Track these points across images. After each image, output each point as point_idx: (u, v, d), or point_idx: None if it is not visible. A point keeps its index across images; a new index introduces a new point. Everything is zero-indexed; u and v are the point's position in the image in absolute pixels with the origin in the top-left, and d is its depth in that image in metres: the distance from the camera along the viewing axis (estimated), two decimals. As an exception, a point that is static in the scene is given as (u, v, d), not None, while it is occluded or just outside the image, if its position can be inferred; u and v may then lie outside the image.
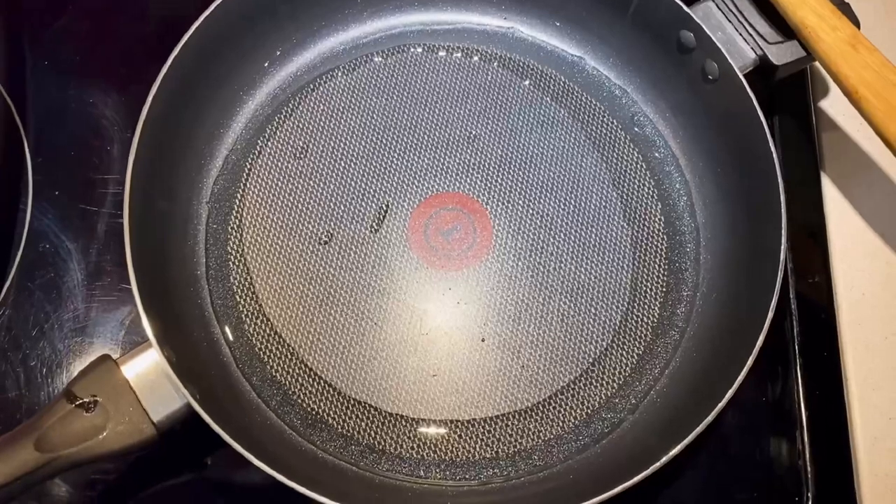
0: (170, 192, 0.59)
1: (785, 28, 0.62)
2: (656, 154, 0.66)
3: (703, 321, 0.60)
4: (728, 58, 0.59)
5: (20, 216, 0.62)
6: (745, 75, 0.60)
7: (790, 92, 0.69)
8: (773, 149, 0.57)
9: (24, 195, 0.62)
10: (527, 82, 0.67)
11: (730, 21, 0.62)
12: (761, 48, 0.61)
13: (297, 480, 0.48)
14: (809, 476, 0.59)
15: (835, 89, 0.68)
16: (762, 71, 0.62)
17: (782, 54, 0.61)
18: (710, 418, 0.50)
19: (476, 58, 0.68)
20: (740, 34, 0.62)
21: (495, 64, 0.68)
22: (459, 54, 0.68)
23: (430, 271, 0.61)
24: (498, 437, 0.57)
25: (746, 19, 0.62)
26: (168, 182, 0.59)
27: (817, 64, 0.63)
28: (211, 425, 0.48)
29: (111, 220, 0.62)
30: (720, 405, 0.51)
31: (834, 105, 0.70)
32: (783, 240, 0.55)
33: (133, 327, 0.60)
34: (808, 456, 0.59)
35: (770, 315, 0.53)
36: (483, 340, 0.59)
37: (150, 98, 0.55)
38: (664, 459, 0.50)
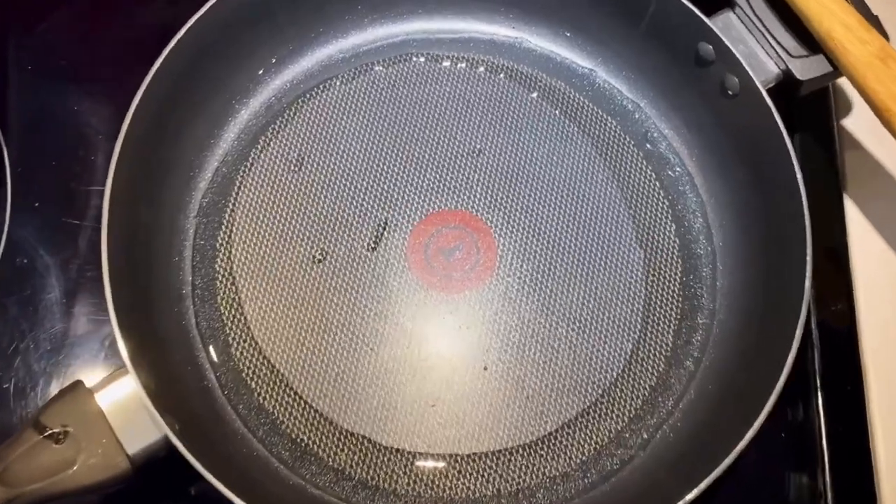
0: (154, 205, 0.56)
1: (810, 41, 0.58)
2: (670, 172, 0.62)
3: (720, 351, 0.57)
4: (750, 72, 0.56)
5: (-3, 228, 0.59)
6: (766, 91, 0.56)
7: (811, 109, 0.66)
8: (797, 168, 0.54)
9: (2, 206, 0.59)
10: (535, 95, 0.64)
11: (751, 33, 0.59)
12: (784, 62, 0.58)
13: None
14: (832, 518, 0.55)
15: (858, 106, 0.65)
16: (785, 86, 0.59)
17: (807, 69, 0.58)
18: (729, 460, 0.47)
19: (482, 68, 0.65)
20: (762, 47, 0.58)
21: (502, 75, 0.65)
22: (464, 65, 0.65)
23: (431, 293, 0.57)
24: (500, 473, 0.53)
25: (769, 31, 0.58)
26: (153, 194, 0.56)
27: (841, 80, 0.60)
28: (190, 461, 0.44)
29: (93, 233, 0.59)
30: (740, 446, 0.47)
31: (857, 123, 0.67)
32: (808, 266, 0.52)
33: (114, 348, 0.55)
34: (829, 496, 0.56)
35: (794, 349, 0.50)
36: (485, 369, 0.55)
37: (134, 104, 0.52)
38: (679, 504, 0.46)
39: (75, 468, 0.44)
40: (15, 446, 0.44)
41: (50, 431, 0.44)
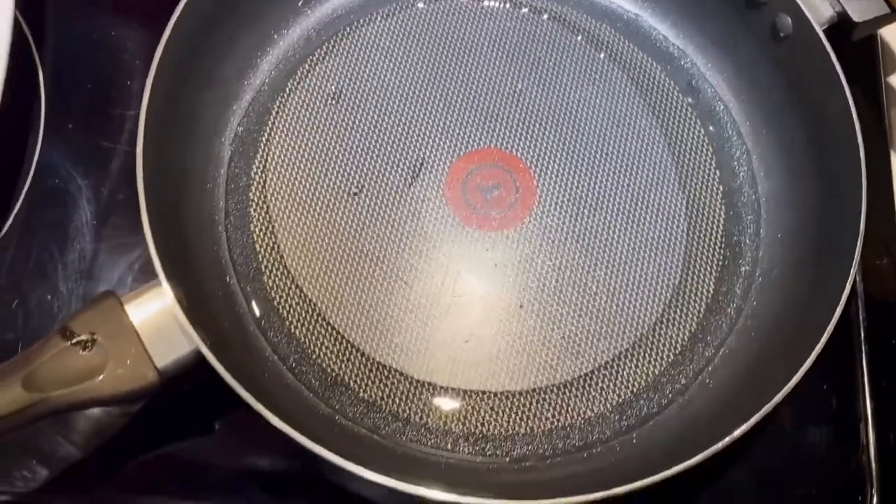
0: (189, 130, 0.54)
1: (866, -20, 0.56)
2: (716, 119, 0.61)
3: (763, 300, 0.55)
4: (806, 11, 0.54)
5: (29, 149, 0.58)
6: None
7: (857, 63, 0.64)
8: (854, 114, 0.52)
9: (36, 127, 0.58)
10: (579, 38, 0.62)
11: (804, -28, 0.57)
12: (840, 3, 0.56)
13: (316, 442, 0.43)
14: (874, 474, 0.54)
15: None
16: (837, 30, 0.57)
17: (864, 10, 0.56)
18: (769, 407, 0.45)
19: (525, 9, 0.63)
20: (817, -14, 0.56)
21: (545, 17, 0.63)
22: (508, 4, 0.63)
23: (467, 230, 0.56)
24: (534, 411, 0.52)
25: (824, -31, 0.56)
26: (188, 119, 0.54)
27: (886, 33, 0.57)
28: (221, 373, 0.43)
29: (126, 157, 0.58)
30: (780, 394, 0.46)
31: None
32: (862, 219, 0.50)
33: (143, 273, 0.55)
34: (872, 451, 0.54)
35: (842, 302, 0.48)
36: (521, 307, 0.54)
37: (168, 29, 0.51)
38: (714, 448, 0.45)
39: (102, 376, 0.43)
40: (41, 351, 0.43)
41: (78, 338, 0.43)
